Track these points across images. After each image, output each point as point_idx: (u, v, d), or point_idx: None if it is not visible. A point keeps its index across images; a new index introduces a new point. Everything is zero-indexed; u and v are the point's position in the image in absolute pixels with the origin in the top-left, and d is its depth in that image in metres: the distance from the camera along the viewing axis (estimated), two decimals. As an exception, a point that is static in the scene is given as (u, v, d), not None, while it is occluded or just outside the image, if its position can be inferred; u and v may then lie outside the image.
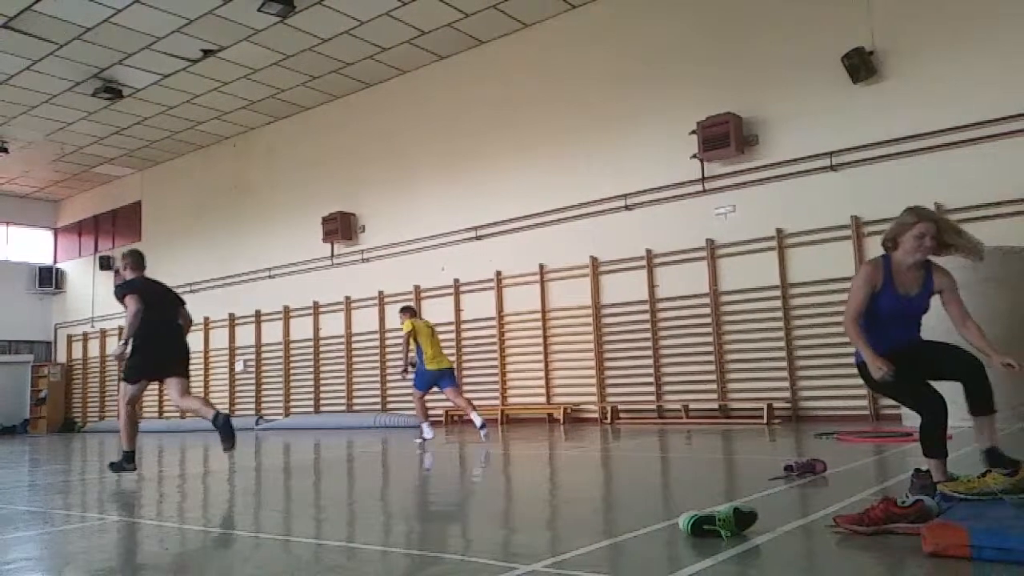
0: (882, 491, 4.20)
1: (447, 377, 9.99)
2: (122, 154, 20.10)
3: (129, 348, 6.90)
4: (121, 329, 7.52)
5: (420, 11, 13.17)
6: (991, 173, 9.74)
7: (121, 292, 7.09)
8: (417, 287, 15.24)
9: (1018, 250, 9.10)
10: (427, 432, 9.88)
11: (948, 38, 10.15)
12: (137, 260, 7.36)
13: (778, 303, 11.21)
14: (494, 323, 14.10)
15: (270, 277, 17.93)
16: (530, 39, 14.01)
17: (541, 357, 13.48)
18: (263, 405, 17.81)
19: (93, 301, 22.38)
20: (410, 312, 10.59)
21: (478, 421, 9.60)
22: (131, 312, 6.89)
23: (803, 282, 11.08)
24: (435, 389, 10.07)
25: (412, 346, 10.05)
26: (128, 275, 7.32)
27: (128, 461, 6.92)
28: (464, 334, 14.57)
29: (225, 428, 6.78)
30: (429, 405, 10.47)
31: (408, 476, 7.06)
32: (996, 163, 9.73)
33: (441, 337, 14.63)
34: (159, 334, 7.07)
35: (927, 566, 2.75)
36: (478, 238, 14.47)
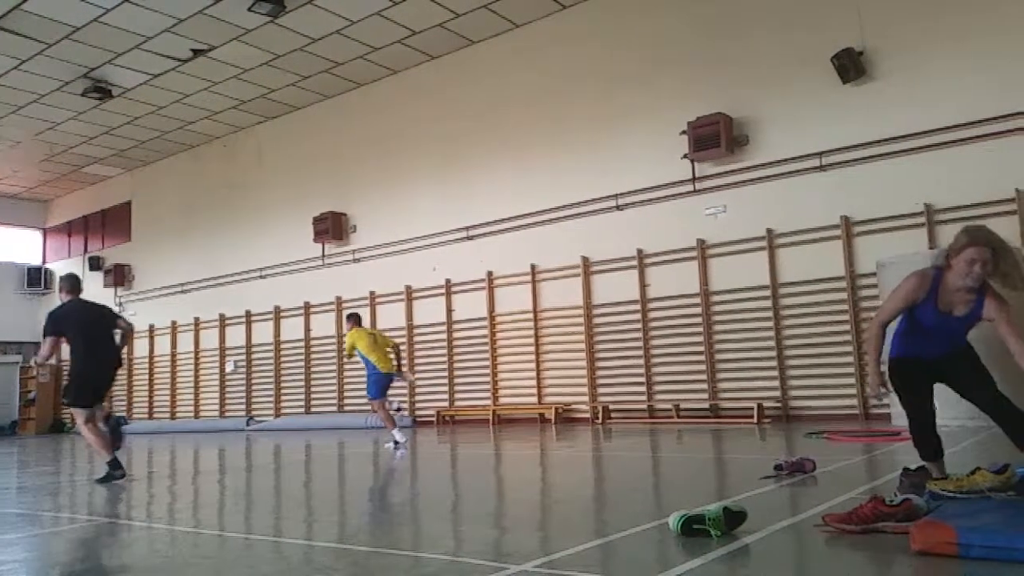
0: (871, 490, 4.22)
1: (392, 381, 10.10)
2: (112, 154, 20.00)
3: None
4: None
5: (411, 11, 13.15)
6: (980, 173, 9.79)
7: (46, 327, 7.24)
8: (408, 287, 15.23)
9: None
10: (399, 436, 9.64)
11: (937, 39, 10.20)
12: (72, 284, 7.43)
13: (768, 303, 11.24)
14: (486, 323, 14.10)
15: (261, 277, 17.88)
16: (521, 39, 14.01)
17: (532, 357, 13.48)
18: (253, 406, 17.75)
19: (82, 302, 22.22)
20: (354, 320, 10.52)
21: (399, 436, 9.56)
22: (42, 352, 7.31)
23: (793, 282, 11.12)
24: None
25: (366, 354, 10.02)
26: (64, 298, 7.40)
27: (115, 468, 6.89)
28: (456, 334, 14.56)
29: (115, 431, 7.31)
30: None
31: (399, 476, 7.05)
32: (985, 163, 9.78)
33: (433, 338, 14.78)
34: (91, 363, 7.22)
35: (915, 564, 2.76)
36: (469, 238, 14.46)
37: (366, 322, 15.71)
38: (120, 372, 7.75)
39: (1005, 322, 3.81)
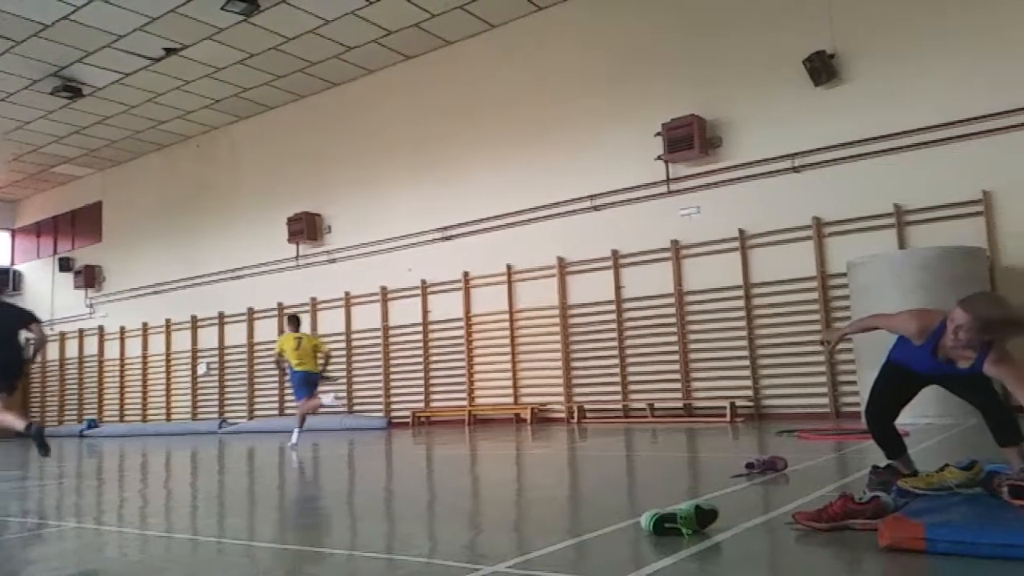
0: (841, 488, 4.27)
1: (315, 382, 10.45)
2: (82, 154, 19.75)
3: None
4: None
5: (386, 11, 13.12)
6: (950, 174, 9.95)
7: None
8: (384, 288, 15.18)
9: (976, 250, 9.31)
10: (326, 399, 10.30)
11: (906, 43, 10.36)
12: None
13: (741, 303, 11.35)
14: (462, 324, 14.09)
15: (234, 279, 17.74)
16: (497, 40, 14.03)
17: (508, 358, 13.49)
18: (226, 408, 17.60)
19: (52, 303, 21.95)
20: (290, 324, 10.92)
21: (295, 438, 10.00)
22: None
23: (765, 282, 11.23)
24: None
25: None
26: None
27: (33, 434, 7.22)
28: (431, 335, 14.54)
29: (38, 438, 7.30)
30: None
31: (373, 477, 7.03)
32: (953, 165, 9.95)
33: (409, 339, 14.75)
34: None
35: (883, 560, 2.80)
36: (445, 239, 14.45)
37: (339, 324, 15.73)
38: (30, 374, 8.21)
39: (1012, 380, 3.64)
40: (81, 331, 21.08)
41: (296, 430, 10.19)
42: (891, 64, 10.46)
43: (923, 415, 7.82)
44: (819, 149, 10.88)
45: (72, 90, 15.36)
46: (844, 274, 10.01)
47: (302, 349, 10.45)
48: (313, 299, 16.26)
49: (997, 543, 2.70)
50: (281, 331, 16.65)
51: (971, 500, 3.40)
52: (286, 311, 16.57)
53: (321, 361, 10.62)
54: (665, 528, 3.24)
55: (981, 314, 3.62)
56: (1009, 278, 9.56)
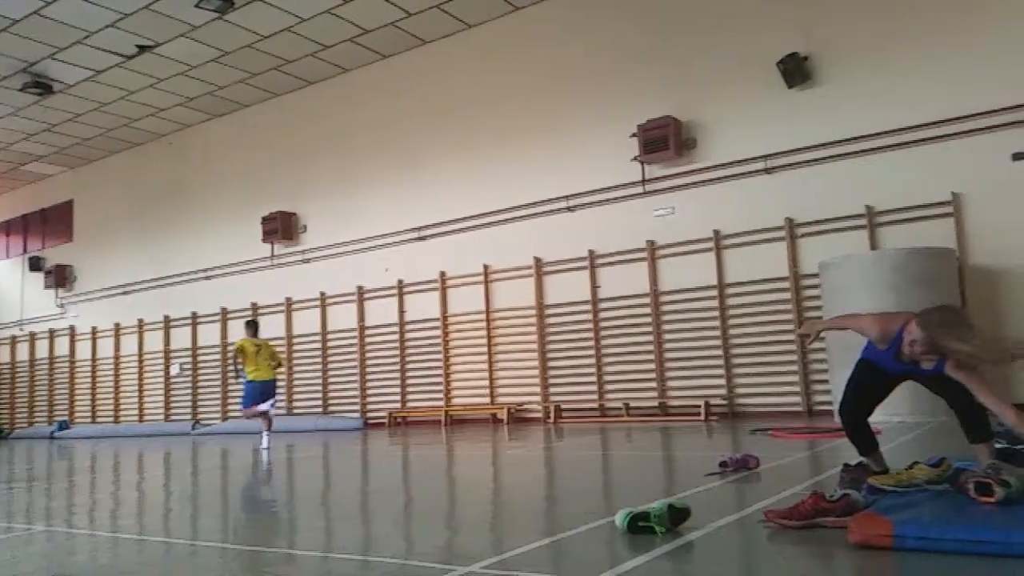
0: (813, 486, 4.32)
1: (269, 391, 10.53)
2: (52, 152, 19.46)
3: None
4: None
5: (362, 9, 13.07)
6: (920, 176, 10.10)
7: None
8: (360, 288, 15.12)
9: (945, 251, 9.45)
10: (264, 441, 10.08)
11: (879, 46, 10.48)
12: None
13: (715, 303, 11.44)
14: (438, 324, 14.07)
15: (207, 278, 17.57)
16: (473, 40, 14.02)
17: (485, 358, 13.49)
18: (200, 409, 17.43)
19: (22, 303, 21.63)
20: (248, 328, 11.05)
21: (265, 441, 10.01)
22: None
23: (739, 282, 11.32)
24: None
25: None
26: None
27: None
28: (408, 335, 14.50)
29: None
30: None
31: (348, 478, 7.01)
32: (924, 166, 10.09)
33: (384, 339, 14.71)
34: None
35: (853, 557, 2.85)
36: (422, 239, 14.42)
37: (315, 324, 15.64)
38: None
39: (972, 383, 3.72)
40: (52, 331, 20.77)
41: (265, 434, 10.16)
42: (863, 67, 10.59)
43: (895, 413, 7.93)
44: (792, 150, 10.98)
45: (42, 87, 15.14)
46: (816, 274, 10.12)
47: (261, 356, 10.57)
48: (288, 299, 16.15)
49: (962, 539, 2.76)
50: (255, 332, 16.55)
51: (939, 497, 3.46)
52: (260, 311, 16.46)
53: (275, 366, 10.78)
54: (639, 527, 3.27)
55: (934, 336, 3.71)
56: (977, 278, 9.72)
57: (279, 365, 11.03)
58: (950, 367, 3.77)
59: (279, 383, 15.80)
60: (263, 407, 10.39)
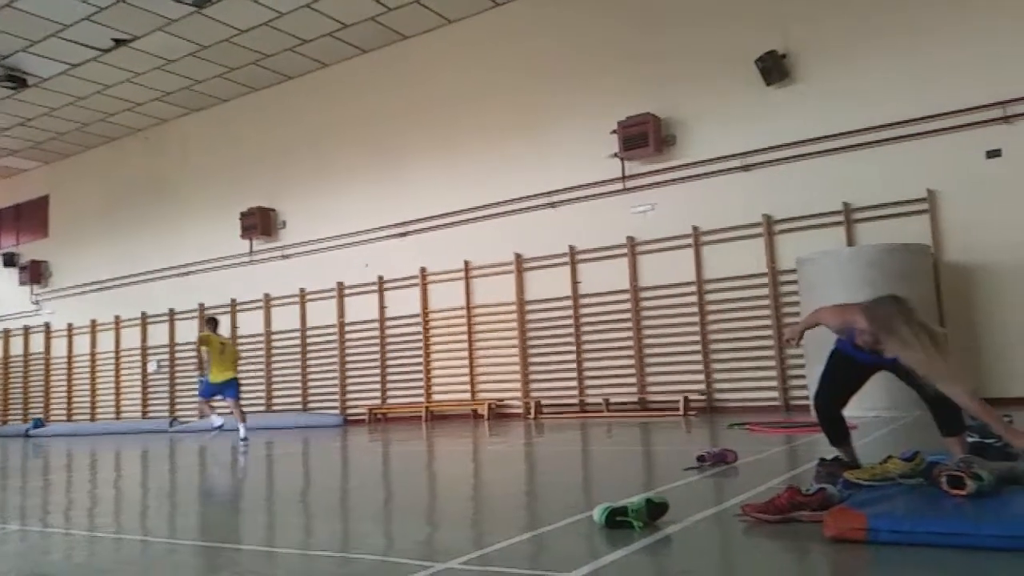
0: (790, 480, 4.37)
1: (231, 388, 10.70)
2: (27, 146, 19.21)
3: None
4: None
5: (341, 4, 13.00)
6: (895, 173, 10.21)
7: None
8: (340, 284, 15.06)
9: (921, 247, 9.56)
10: (216, 421, 10.61)
11: (856, 44, 10.58)
12: None
13: (694, 299, 11.51)
14: (419, 320, 14.05)
15: (185, 274, 17.43)
16: (453, 35, 13.99)
17: (466, 353, 13.49)
18: (177, 407, 17.29)
19: (-5, 300, 21.35)
20: (210, 325, 11.29)
21: (242, 431, 10.22)
22: None
23: (717, 278, 11.40)
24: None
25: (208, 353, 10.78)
26: None
27: None
28: (388, 331, 14.47)
29: None
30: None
31: (328, 475, 6.99)
32: (900, 164, 10.20)
33: (364, 335, 14.67)
34: None
35: (828, 550, 2.88)
36: (402, 235, 14.38)
37: (294, 321, 15.56)
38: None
39: (928, 370, 3.69)
40: (26, 328, 20.51)
41: (241, 426, 10.28)
42: (841, 65, 10.68)
43: (871, 408, 8.01)
44: (771, 148, 11.06)
45: (16, 80, 14.93)
46: (794, 270, 10.20)
47: (225, 354, 10.69)
48: (267, 295, 16.06)
49: (934, 532, 2.80)
50: (235, 327, 16.46)
51: (912, 490, 3.50)
52: (239, 308, 16.36)
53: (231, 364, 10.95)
54: (617, 521, 3.29)
55: (873, 325, 3.78)
56: (952, 273, 9.85)
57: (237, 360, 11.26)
58: (892, 353, 3.77)
59: (258, 380, 15.83)
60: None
